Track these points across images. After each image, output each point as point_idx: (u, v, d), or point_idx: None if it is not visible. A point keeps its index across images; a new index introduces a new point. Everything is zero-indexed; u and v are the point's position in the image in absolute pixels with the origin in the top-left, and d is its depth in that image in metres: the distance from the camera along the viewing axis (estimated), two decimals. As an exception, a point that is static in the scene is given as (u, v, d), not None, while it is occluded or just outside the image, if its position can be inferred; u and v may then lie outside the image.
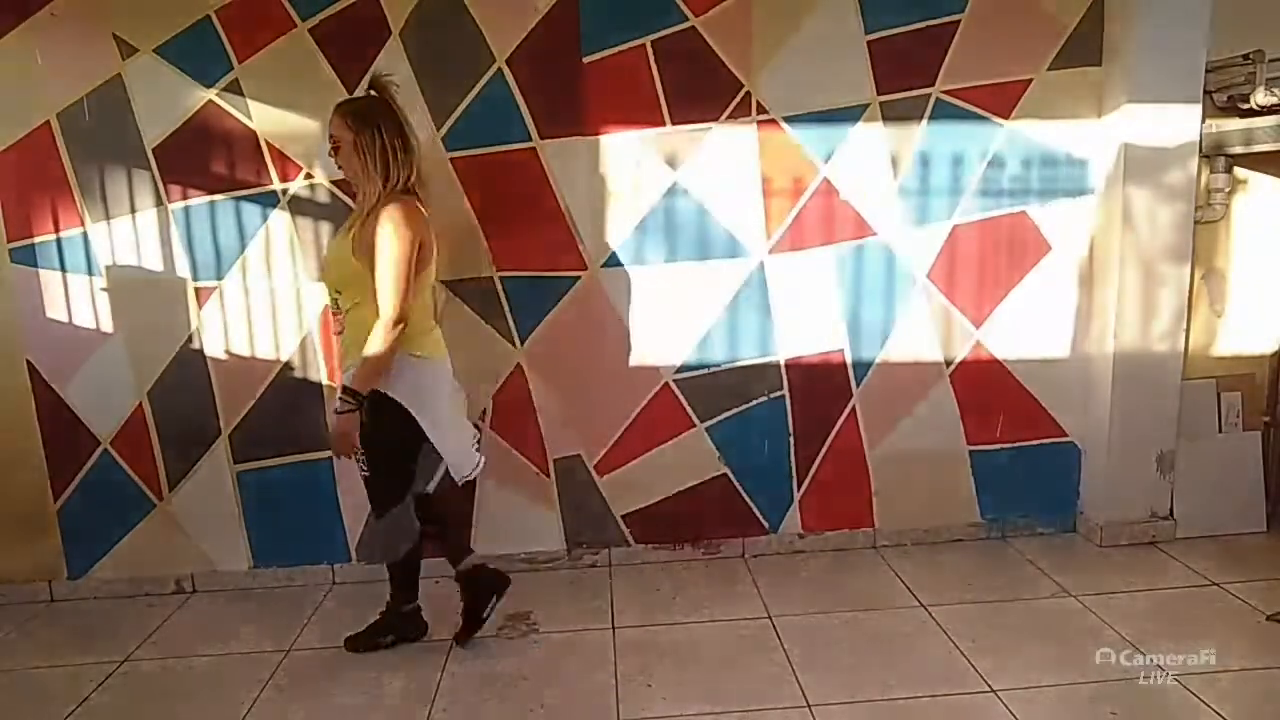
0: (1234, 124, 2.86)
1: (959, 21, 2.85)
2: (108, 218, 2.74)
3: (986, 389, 3.06)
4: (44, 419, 2.81)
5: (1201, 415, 3.12)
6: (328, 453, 2.79)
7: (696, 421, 2.99)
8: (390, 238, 2.16)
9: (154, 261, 2.77)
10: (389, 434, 2.26)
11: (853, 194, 2.91)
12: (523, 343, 2.90)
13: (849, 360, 3.01)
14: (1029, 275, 3.02)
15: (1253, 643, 2.41)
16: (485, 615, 2.50)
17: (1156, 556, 2.98)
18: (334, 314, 2.34)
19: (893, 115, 2.87)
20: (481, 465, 2.48)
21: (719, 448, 3.01)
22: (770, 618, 2.63)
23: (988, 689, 2.22)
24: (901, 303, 2.99)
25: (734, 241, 2.90)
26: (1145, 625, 2.50)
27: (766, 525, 3.08)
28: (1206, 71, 2.84)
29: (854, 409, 3.04)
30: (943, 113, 2.89)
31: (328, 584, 2.92)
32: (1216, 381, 3.13)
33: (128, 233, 2.75)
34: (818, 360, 3.00)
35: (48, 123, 2.67)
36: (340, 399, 2.20)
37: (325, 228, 2.78)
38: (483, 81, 2.76)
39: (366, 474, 2.32)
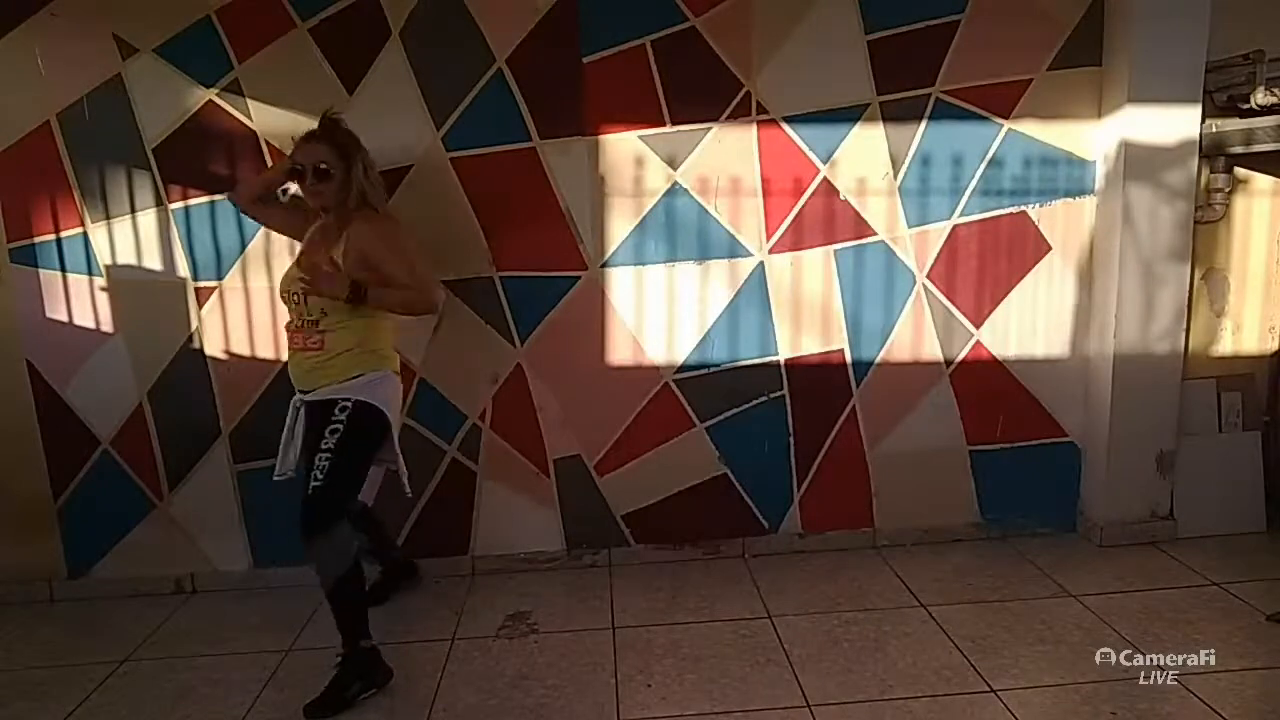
0: (1234, 124, 2.85)
1: (959, 21, 2.85)
2: (108, 218, 2.74)
3: (986, 389, 3.06)
4: (44, 419, 2.81)
5: (1201, 415, 3.12)
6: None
7: (696, 421, 2.99)
8: (404, 235, 2.33)
9: (154, 261, 2.77)
10: (368, 442, 2.33)
11: (853, 194, 2.91)
12: (523, 343, 2.90)
13: (849, 360, 3.01)
14: (1029, 275, 3.02)
15: (1253, 643, 2.41)
16: (350, 698, 2.24)
17: (1156, 556, 2.98)
18: (307, 335, 2.29)
19: (893, 115, 2.87)
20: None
21: (719, 448, 3.01)
22: (770, 618, 2.63)
23: (988, 689, 2.22)
24: (901, 303, 2.99)
25: (734, 241, 2.90)
26: (1145, 625, 2.50)
27: (766, 525, 3.08)
28: (1206, 71, 2.84)
29: (854, 409, 3.04)
30: (943, 113, 2.89)
31: (328, 584, 2.92)
32: (1216, 381, 3.13)
33: (128, 233, 2.75)
34: (818, 360, 3.00)
35: (48, 123, 2.67)
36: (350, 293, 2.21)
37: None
38: (483, 81, 2.76)
39: (319, 483, 2.22)
